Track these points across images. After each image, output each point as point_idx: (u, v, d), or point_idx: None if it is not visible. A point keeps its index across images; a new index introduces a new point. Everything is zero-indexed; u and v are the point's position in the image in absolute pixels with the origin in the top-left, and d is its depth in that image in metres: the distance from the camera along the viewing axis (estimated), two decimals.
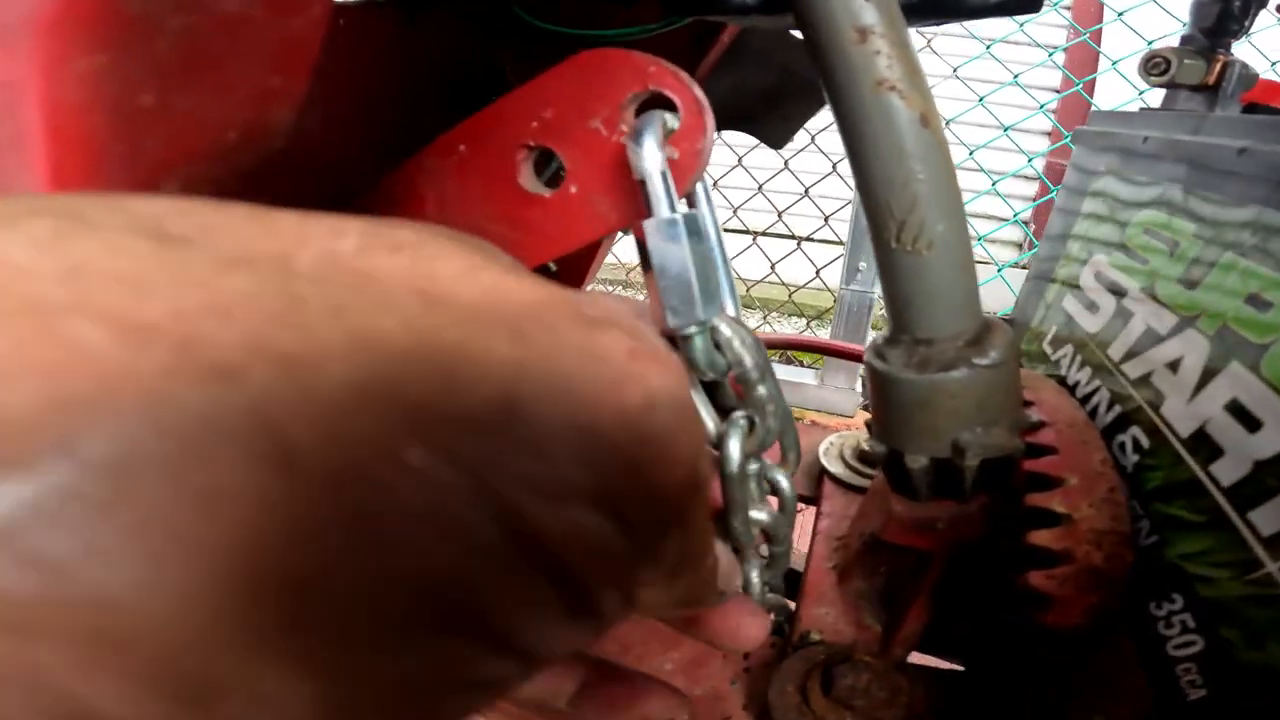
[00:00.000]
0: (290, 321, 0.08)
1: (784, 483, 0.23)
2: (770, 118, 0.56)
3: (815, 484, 0.50)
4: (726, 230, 1.96)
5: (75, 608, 0.07)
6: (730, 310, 0.23)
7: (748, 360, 0.20)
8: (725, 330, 0.20)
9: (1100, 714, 0.25)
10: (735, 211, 1.89)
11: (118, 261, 0.08)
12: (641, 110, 0.26)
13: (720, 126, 0.59)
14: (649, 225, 0.21)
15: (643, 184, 0.22)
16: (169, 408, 0.07)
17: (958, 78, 1.50)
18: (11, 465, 0.07)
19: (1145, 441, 0.28)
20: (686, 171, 0.26)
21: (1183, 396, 0.26)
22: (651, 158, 0.22)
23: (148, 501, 0.07)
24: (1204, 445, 0.24)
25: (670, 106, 0.26)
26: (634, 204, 0.25)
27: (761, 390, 0.20)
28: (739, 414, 0.20)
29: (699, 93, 0.26)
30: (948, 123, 1.53)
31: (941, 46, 1.58)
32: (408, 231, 0.11)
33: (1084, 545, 0.25)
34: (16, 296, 0.07)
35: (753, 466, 0.23)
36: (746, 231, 1.87)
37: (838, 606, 0.39)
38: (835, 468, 0.49)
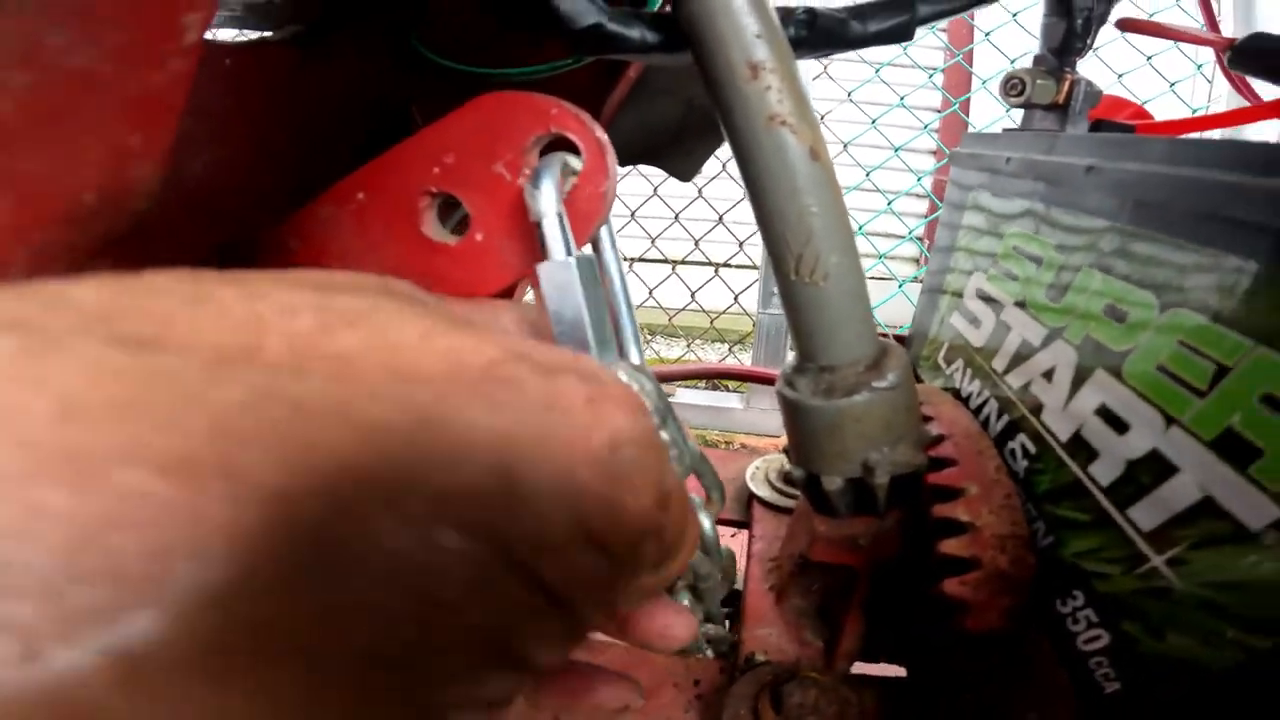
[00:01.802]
0: (300, 432, 0.09)
1: (706, 525, 0.23)
2: (677, 152, 0.58)
3: (745, 509, 0.51)
4: (645, 260, 1.98)
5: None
6: (634, 357, 0.23)
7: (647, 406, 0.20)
8: (623, 377, 0.20)
9: (1034, 712, 0.26)
10: (654, 241, 1.92)
11: (103, 387, 0.08)
12: (545, 153, 0.26)
13: (629, 161, 0.60)
14: (543, 269, 0.20)
15: (539, 226, 0.22)
16: (251, 537, 0.08)
17: (852, 101, 1.59)
18: (130, 608, 0.08)
19: (1032, 447, 0.30)
20: (590, 216, 0.26)
21: (1059, 403, 0.28)
22: (548, 200, 0.22)
23: (270, 614, 0.09)
24: (1082, 448, 0.26)
25: (573, 149, 0.26)
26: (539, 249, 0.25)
27: (663, 435, 0.20)
28: None
29: (601, 134, 0.26)
30: (845, 145, 1.62)
31: (836, 72, 1.68)
32: (352, 299, 0.12)
33: (990, 550, 0.26)
34: (42, 445, 0.08)
35: None
36: (666, 260, 1.90)
37: (778, 626, 0.39)
38: (762, 491, 0.50)
